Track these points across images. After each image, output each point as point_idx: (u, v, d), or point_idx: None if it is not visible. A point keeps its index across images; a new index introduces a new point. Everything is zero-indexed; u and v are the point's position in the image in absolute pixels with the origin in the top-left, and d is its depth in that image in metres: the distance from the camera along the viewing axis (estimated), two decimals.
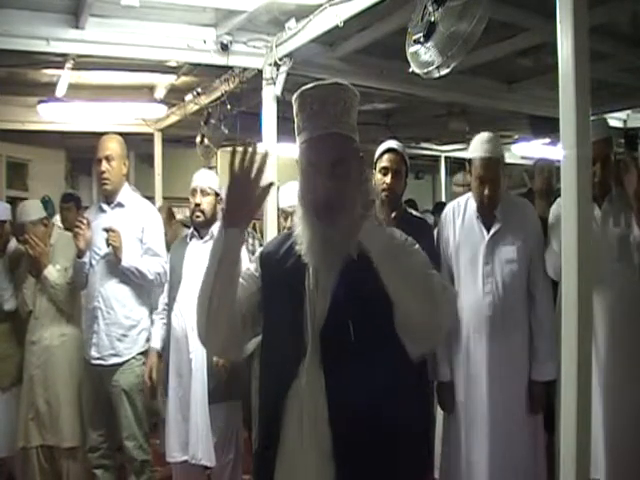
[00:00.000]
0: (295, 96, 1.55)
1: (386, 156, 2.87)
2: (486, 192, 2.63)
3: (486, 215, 2.68)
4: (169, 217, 4.42)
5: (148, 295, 3.31)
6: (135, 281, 3.19)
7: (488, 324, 2.58)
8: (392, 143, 2.93)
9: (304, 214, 1.52)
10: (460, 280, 2.68)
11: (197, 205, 3.13)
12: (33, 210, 3.50)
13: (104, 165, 3.22)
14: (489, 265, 2.61)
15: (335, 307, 1.50)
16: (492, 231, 2.65)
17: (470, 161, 2.70)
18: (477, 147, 2.67)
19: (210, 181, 3.22)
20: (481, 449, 2.58)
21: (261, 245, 3.60)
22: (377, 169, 2.88)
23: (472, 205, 2.74)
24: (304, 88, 1.54)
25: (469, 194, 2.79)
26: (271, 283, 1.61)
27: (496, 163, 2.65)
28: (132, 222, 3.24)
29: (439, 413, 3.00)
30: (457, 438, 2.69)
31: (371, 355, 1.48)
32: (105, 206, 3.31)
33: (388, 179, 2.82)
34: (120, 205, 3.29)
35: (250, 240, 4.12)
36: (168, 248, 3.40)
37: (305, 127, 1.52)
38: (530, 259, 2.63)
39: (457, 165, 7.97)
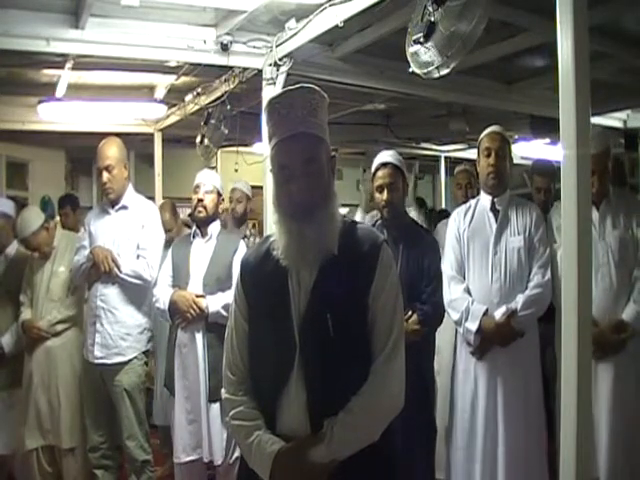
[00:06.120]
0: (264, 105, 1.58)
1: (380, 172, 2.85)
2: (491, 161, 2.74)
3: (494, 194, 2.79)
4: (173, 212, 4.41)
5: (148, 295, 3.32)
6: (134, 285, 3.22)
7: (495, 310, 2.66)
8: (385, 157, 2.88)
9: (280, 218, 1.53)
10: (470, 271, 2.78)
11: (200, 200, 3.18)
12: (31, 221, 3.41)
13: (105, 176, 3.23)
14: (497, 255, 2.71)
15: (314, 302, 1.50)
16: (499, 217, 2.75)
17: (479, 144, 2.82)
18: (486, 130, 2.84)
19: (213, 180, 3.28)
20: (483, 447, 2.64)
21: None
22: (374, 185, 2.89)
23: (482, 203, 2.85)
24: (272, 96, 1.58)
25: (479, 197, 2.90)
26: (255, 289, 1.61)
27: (502, 138, 2.80)
28: (134, 223, 3.27)
29: (439, 415, 3.00)
30: (459, 437, 2.72)
31: (350, 351, 1.49)
32: (109, 209, 3.33)
33: (385, 196, 2.81)
34: (124, 207, 3.32)
35: (252, 239, 4.14)
36: (169, 245, 3.40)
37: (274, 132, 1.53)
38: (535, 246, 2.71)
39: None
